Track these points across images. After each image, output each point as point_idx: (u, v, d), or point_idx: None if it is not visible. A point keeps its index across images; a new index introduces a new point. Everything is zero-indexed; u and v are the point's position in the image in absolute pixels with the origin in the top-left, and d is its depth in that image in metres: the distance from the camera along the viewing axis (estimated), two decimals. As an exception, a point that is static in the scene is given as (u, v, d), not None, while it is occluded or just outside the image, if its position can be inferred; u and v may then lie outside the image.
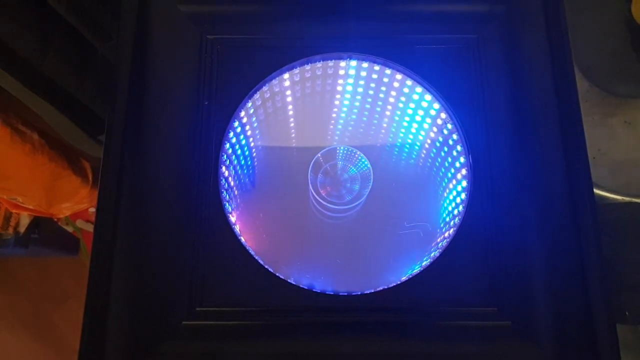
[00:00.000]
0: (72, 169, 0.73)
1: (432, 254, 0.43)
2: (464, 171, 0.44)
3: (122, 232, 0.37)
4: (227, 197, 0.44)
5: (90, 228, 1.10)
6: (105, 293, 0.36)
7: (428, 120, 0.48)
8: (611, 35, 0.57)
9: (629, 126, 0.55)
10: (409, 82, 0.46)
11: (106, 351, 0.35)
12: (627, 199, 0.52)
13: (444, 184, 0.48)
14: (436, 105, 0.46)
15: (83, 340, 0.35)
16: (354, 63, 0.46)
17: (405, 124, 0.52)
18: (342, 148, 0.53)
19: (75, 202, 0.81)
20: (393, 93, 0.49)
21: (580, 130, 0.40)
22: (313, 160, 0.53)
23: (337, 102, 0.53)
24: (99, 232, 0.37)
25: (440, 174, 0.49)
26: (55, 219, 1.01)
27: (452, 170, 0.46)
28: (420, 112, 0.48)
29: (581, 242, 0.37)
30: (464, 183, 0.43)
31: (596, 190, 0.52)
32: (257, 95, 0.46)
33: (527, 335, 0.37)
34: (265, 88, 0.46)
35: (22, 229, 0.90)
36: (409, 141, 0.53)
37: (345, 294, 0.39)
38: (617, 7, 0.57)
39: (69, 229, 1.10)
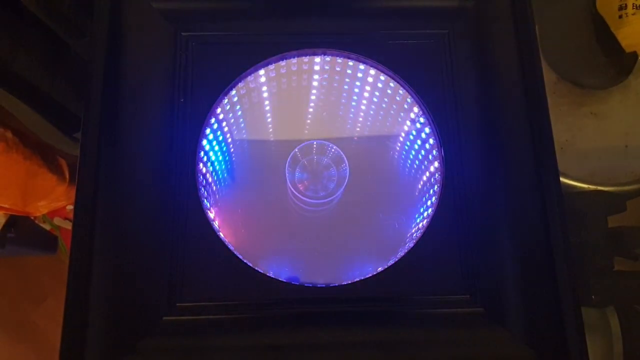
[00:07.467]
0: (48, 167, 0.72)
1: (407, 245, 0.44)
2: (436, 164, 0.45)
3: (101, 229, 0.37)
4: (205, 193, 0.44)
5: (68, 225, 1.08)
6: (85, 290, 0.36)
7: (401, 114, 0.49)
8: (577, 29, 0.58)
9: (595, 117, 0.57)
10: (382, 77, 0.47)
11: (87, 348, 0.35)
12: (592, 187, 0.54)
13: (417, 177, 0.49)
14: (409, 100, 0.46)
15: (64, 338, 0.35)
16: (328, 59, 0.47)
17: (379, 118, 0.53)
18: (318, 142, 0.54)
19: (51, 200, 0.79)
20: (367, 88, 0.50)
21: (547, 121, 0.41)
22: (290, 155, 0.53)
23: (313, 97, 0.53)
24: (78, 229, 0.37)
25: (415, 167, 0.50)
26: (32, 217, 0.99)
27: (426, 163, 0.47)
28: (394, 107, 0.49)
29: (549, 230, 0.38)
30: (437, 175, 0.44)
31: (563, 179, 0.54)
32: (233, 92, 0.46)
33: (499, 321, 0.38)
34: (241, 84, 0.46)
35: (-3, 229, 0.88)
36: (384, 135, 0.54)
37: (324, 285, 0.40)
38: (583, 1, 0.59)
39: (47, 226, 1.08)
